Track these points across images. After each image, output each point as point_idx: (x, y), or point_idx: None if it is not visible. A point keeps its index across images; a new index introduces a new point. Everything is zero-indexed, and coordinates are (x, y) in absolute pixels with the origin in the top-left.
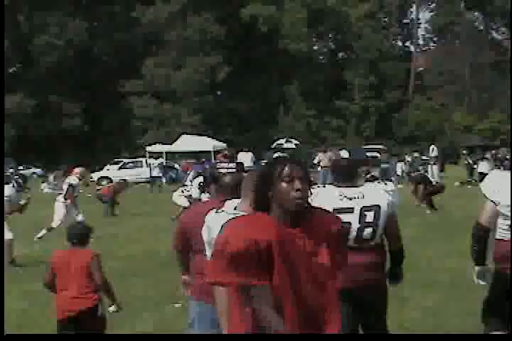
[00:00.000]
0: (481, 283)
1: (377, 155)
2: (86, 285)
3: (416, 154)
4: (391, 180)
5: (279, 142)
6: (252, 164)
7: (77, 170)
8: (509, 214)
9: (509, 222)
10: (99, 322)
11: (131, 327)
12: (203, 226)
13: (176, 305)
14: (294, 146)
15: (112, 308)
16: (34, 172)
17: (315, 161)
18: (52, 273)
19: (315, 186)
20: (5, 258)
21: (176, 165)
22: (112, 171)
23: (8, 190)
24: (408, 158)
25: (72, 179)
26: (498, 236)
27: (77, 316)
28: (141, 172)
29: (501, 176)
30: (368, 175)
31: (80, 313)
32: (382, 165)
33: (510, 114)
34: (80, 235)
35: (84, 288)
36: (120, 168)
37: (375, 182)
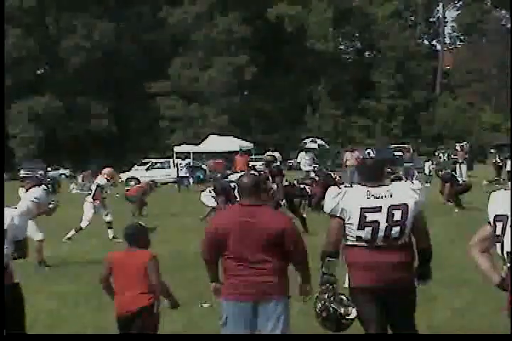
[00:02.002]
0: None
1: (402, 154)
2: (143, 285)
3: (449, 152)
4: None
5: (304, 142)
6: (278, 164)
7: (105, 170)
8: None
9: None
10: (154, 321)
11: (160, 328)
12: (236, 229)
13: (205, 305)
14: (316, 146)
15: (166, 303)
16: (62, 174)
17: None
18: (109, 273)
19: (342, 185)
20: (35, 259)
21: (204, 166)
22: (139, 172)
23: (38, 192)
24: (444, 157)
25: (101, 179)
26: None
27: (134, 315)
28: (169, 173)
29: None
30: (393, 176)
31: (137, 312)
32: (405, 164)
33: (511, 113)
34: (135, 236)
35: (141, 289)
36: (148, 168)
37: (402, 181)
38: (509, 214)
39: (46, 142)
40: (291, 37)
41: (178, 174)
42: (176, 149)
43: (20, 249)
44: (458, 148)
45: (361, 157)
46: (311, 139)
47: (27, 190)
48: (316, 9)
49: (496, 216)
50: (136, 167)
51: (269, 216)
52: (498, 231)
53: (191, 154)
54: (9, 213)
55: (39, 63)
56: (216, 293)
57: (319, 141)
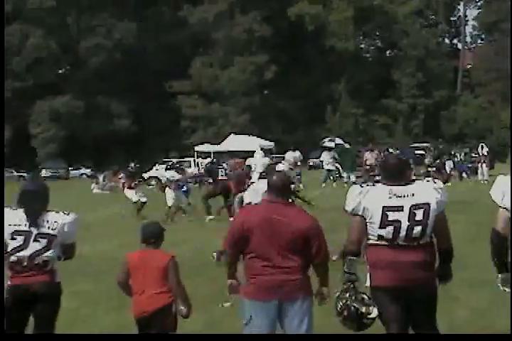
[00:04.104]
0: (507, 290)
1: (424, 153)
2: (161, 285)
3: (466, 150)
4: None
5: (322, 141)
6: (299, 163)
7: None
8: None
9: None
10: (172, 321)
11: (180, 327)
12: (264, 225)
13: (226, 305)
14: (333, 145)
15: (183, 308)
16: (83, 173)
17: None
18: (127, 273)
19: (364, 184)
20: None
21: (224, 165)
22: (160, 171)
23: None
24: (461, 156)
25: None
26: None
27: (152, 315)
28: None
29: (507, 181)
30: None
31: (155, 312)
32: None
33: (511, 113)
34: (156, 235)
35: (160, 288)
36: (168, 167)
37: (425, 181)
38: None
39: (67, 141)
40: (312, 36)
41: (199, 173)
42: (197, 148)
43: (67, 252)
44: (479, 148)
45: (383, 156)
46: (329, 138)
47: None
48: (337, 8)
49: None
50: (157, 166)
51: (296, 214)
52: None
53: (212, 153)
54: (61, 219)
55: (60, 63)
56: (232, 290)
57: (338, 140)
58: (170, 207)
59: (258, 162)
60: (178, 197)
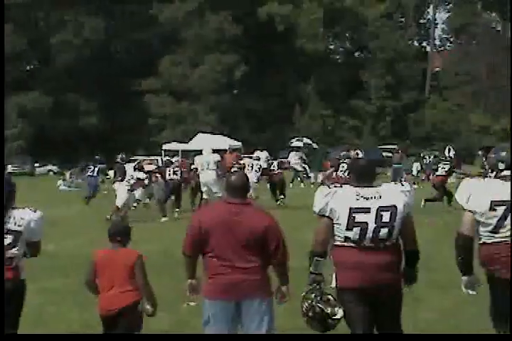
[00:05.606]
0: (470, 292)
1: (391, 155)
2: (128, 284)
3: (436, 153)
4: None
5: (291, 141)
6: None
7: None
8: (487, 221)
9: (489, 228)
10: (137, 320)
11: (146, 327)
12: (221, 226)
13: (191, 304)
14: (301, 145)
15: (149, 307)
16: (50, 170)
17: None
18: (94, 271)
19: (332, 186)
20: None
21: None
22: (128, 169)
23: None
24: (430, 159)
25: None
26: (480, 241)
27: (118, 313)
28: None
29: (472, 185)
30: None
31: (120, 310)
32: (394, 166)
33: (511, 115)
34: (123, 233)
35: (126, 287)
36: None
37: (392, 183)
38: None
39: (35, 138)
40: (282, 36)
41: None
42: (165, 147)
43: (32, 249)
44: (446, 150)
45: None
46: (297, 138)
47: None
48: (307, 9)
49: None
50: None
51: (254, 214)
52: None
53: (180, 152)
54: (27, 216)
55: (29, 59)
56: (192, 290)
57: (305, 140)
58: (118, 207)
59: (210, 159)
60: (129, 197)
